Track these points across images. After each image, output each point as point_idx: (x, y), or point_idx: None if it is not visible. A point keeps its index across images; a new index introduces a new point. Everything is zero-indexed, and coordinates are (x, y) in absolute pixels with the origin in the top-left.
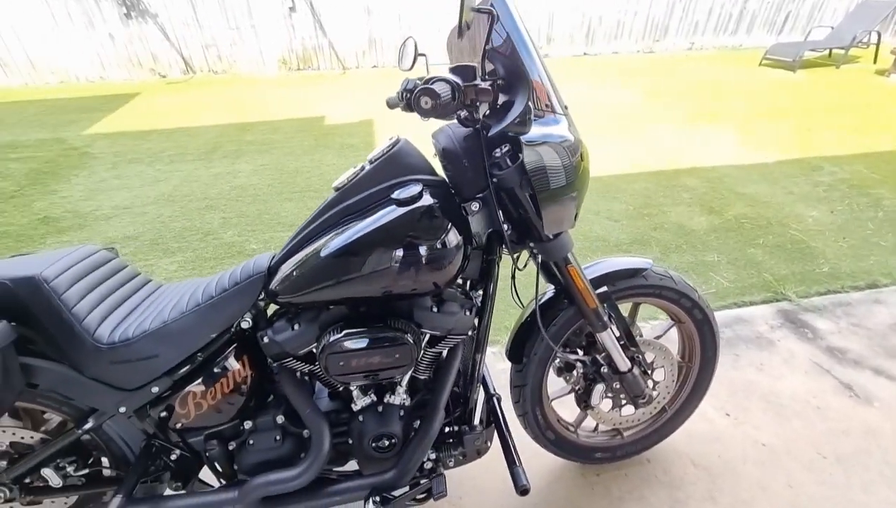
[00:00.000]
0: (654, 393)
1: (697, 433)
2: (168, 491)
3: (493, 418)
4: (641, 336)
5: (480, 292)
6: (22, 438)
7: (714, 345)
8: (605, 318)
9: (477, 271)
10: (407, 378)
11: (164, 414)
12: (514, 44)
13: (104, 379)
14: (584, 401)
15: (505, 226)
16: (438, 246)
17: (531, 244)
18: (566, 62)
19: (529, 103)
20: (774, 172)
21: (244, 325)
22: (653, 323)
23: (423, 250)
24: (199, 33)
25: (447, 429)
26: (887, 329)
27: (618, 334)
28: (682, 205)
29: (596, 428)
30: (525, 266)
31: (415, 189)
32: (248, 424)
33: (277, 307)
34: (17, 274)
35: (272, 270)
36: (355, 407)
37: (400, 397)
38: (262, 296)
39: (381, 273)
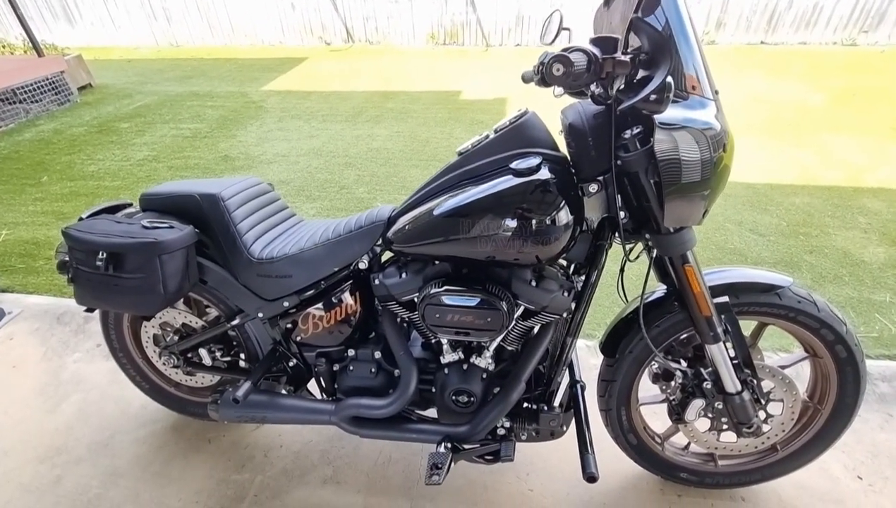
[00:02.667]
0: (765, 427)
1: (813, 487)
2: (283, 391)
3: (574, 404)
4: (762, 360)
5: (583, 277)
6: (190, 322)
7: (856, 392)
8: (719, 330)
9: (583, 255)
10: (495, 344)
11: (289, 326)
12: (665, 12)
13: (251, 287)
14: (677, 413)
15: (622, 214)
16: (547, 221)
17: (647, 235)
18: (738, 51)
19: (670, 79)
20: None
21: (361, 266)
22: (783, 354)
23: (531, 222)
24: (363, 5)
25: (525, 404)
26: None
27: (732, 353)
28: (855, 230)
29: (687, 447)
30: (636, 258)
31: (534, 161)
32: (351, 352)
33: (391, 254)
34: (204, 191)
35: (392, 221)
36: (443, 360)
37: (485, 360)
38: (379, 242)
39: (487, 238)
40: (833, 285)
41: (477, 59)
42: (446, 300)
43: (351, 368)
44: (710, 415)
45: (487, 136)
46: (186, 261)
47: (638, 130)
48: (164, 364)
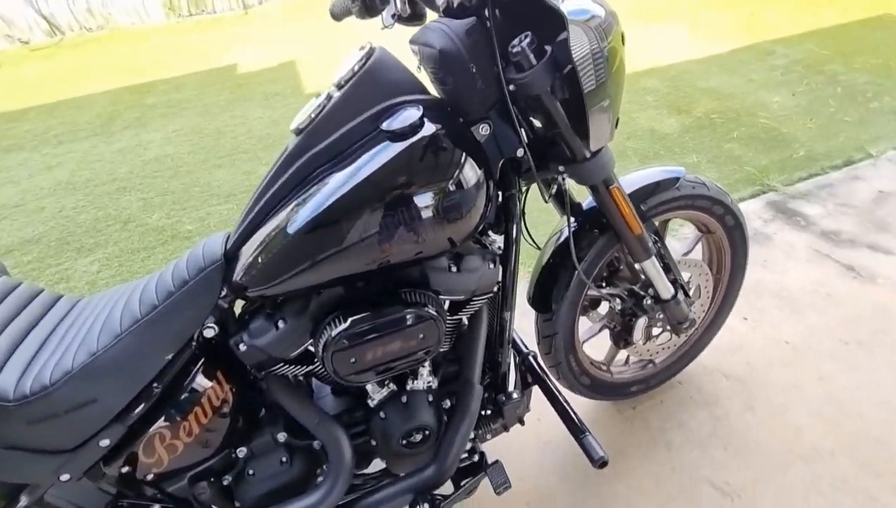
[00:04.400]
0: (695, 315)
1: (721, 344)
2: None
3: (534, 378)
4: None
5: (499, 237)
6: None
7: (745, 251)
8: (650, 244)
9: (493, 212)
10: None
11: (126, 469)
12: None
13: (25, 445)
14: (623, 339)
15: (520, 151)
16: (453, 187)
17: (560, 167)
18: None
19: None
20: (731, 62)
21: (208, 334)
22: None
23: (435, 196)
24: None
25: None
26: (871, 204)
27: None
28: (650, 109)
29: (627, 361)
30: (552, 196)
31: (413, 113)
32: (241, 451)
33: (248, 302)
34: None
35: (230, 256)
36: (372, 402)
37: (424, 380)
38: (224, 294)
39: (383, 238)
40: (655, 160)
41: (237, 25)
42: (359, 337)
43: (251, 472)
44: (653, 327)
45: (330, 97)
46: None
47: (528, 38)
48: None
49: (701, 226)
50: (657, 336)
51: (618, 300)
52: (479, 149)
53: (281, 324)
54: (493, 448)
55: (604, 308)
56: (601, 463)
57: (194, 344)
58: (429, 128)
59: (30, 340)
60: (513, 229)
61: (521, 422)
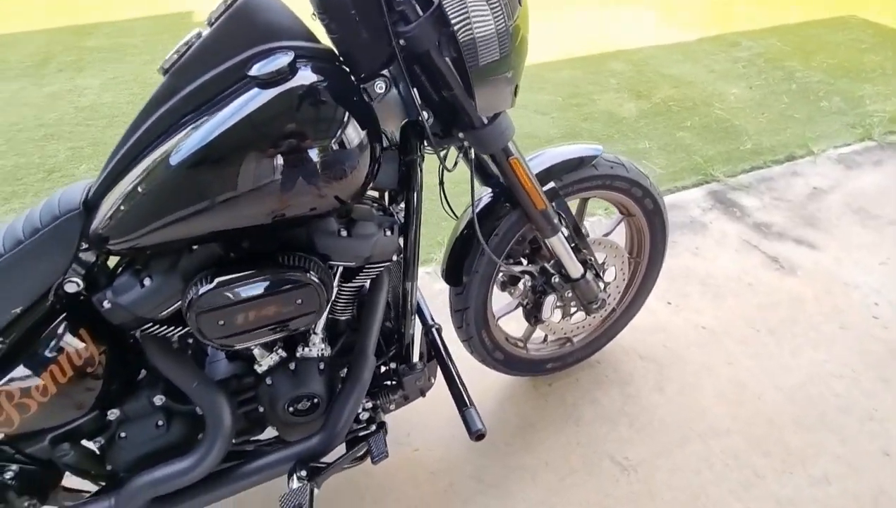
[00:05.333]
0: (606, 296)
1: (642, 326)
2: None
3: (434, 351)
4: (588, 235)
5: (403, 205)
6: None
7: (664, 237)
8: (556, 220)
9: (395, 178)
10: (322, 324)
11: None
12: None
13: None
14: (534, 316)
15: (424, 114)
16: (334, 145)
17: (460, 134)
18: None
19: None
20: (696, 51)
21: (70, 289)
22: (592, 220)
23: (311, 152)
24: None
25: (383, 369)
26: (805, 199)
27: (567, 236)
28: (611, 92)
29: (545, 339)
30: (455, 165)
31: (282, 59)
32: (113, 413)
33: (120, 258)
34: None
35: (91, 206)
36: (259, 369)
37: (316, 347)
38: (84, 247)
39: (253, 191)
40: (608, 144)
41: None
42: (226, 298)
43: (123, 435)
44: (559, 305)
45: (200, 34)
46: None
47: None
48: None
49: (622, 208)
50: (572, 315)
51: (528, 277)
52: (367, 108)
53: (147, 282)
54: (403, 418)
55: (525, 285)
56: (478, 436)
57: (52, 298)
58: (302, 77)
59: None
60: (413, 197)
61: (423, 394)
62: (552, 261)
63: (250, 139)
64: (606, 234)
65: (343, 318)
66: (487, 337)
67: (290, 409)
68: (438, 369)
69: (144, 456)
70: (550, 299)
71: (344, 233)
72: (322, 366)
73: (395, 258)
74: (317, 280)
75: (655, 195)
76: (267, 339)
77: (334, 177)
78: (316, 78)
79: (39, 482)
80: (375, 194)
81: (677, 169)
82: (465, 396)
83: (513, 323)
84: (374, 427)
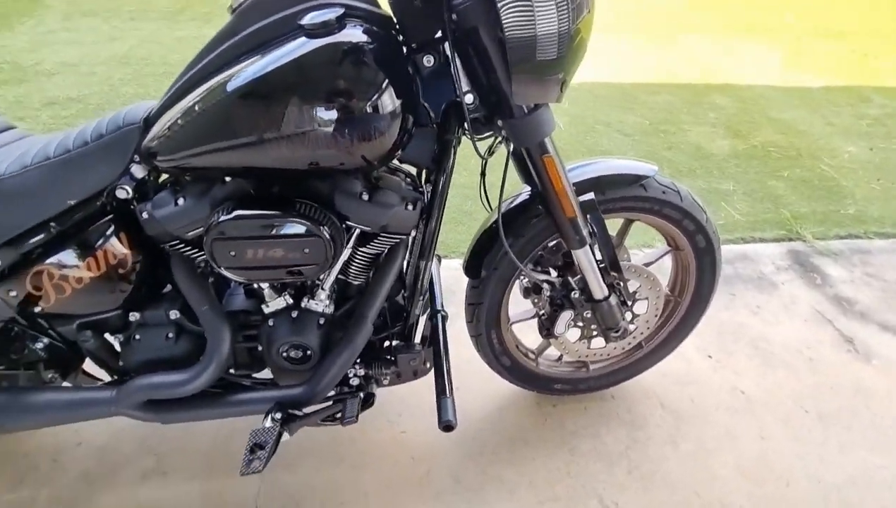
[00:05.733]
0: (632, 327)
1: (672, 373)
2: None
3: (433, 337)
4: (629, 260)
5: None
6: None
7: (712, 280)
8: (585, 233)
9: (429, 156)
10: (331, 280)
11: (13, 293)
12: None
13: None
14: (546, 329)
15: (469, 97)
16: (365, 106)
17: (499, 123)
18: None
19: None
20: (817, 98)
21: (120, 195)
22: (647, 250)
23: (343, 108)
24: None
25: (385, 344)
26: None
27: (599, 255)
28: (706, 125)
29: (560, 358)
30: (491, 154)
31: (330, 14)
32: (135, 316)
33: (165, 176)
34: None
35: (149, 123)
36: (266, 309)
37: (321, 303)
38: (136, 158)
39: (288, 134)
40: (688, 178)
41: None
42: (240, 230)
43: (137, 338)
44: (578, 325)
45: None
46: None
47: None
48: None
49: (670, 239)
50: (591, 338)
51: (548, 287)
52: (408, 78)
53: (181, 202)
54: (399, 399)
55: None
56: (446, 426)
57: (103, 199)
58: (348, 34)
59: None
60: (441, 178)
61: (415, 376)
62: (578, 277)
63: (291, 84)
64: (648, 264)
65: (355, 283)
66: (497, 338)
67: (284, 354)
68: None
69: (150, 361)
70: (566, 315)
71: (365, 196)
72: (322, 322)
73: (413, 234)
74: (327, 235)
75: (710, 233)
76: (270, 279)
77: (362, 137)
78: (361, 38)
79: (63, 359)
80: (413, 170)
81: (759, 219)
82: (446, 386)
83: (532, 335)
84: (361, 395)
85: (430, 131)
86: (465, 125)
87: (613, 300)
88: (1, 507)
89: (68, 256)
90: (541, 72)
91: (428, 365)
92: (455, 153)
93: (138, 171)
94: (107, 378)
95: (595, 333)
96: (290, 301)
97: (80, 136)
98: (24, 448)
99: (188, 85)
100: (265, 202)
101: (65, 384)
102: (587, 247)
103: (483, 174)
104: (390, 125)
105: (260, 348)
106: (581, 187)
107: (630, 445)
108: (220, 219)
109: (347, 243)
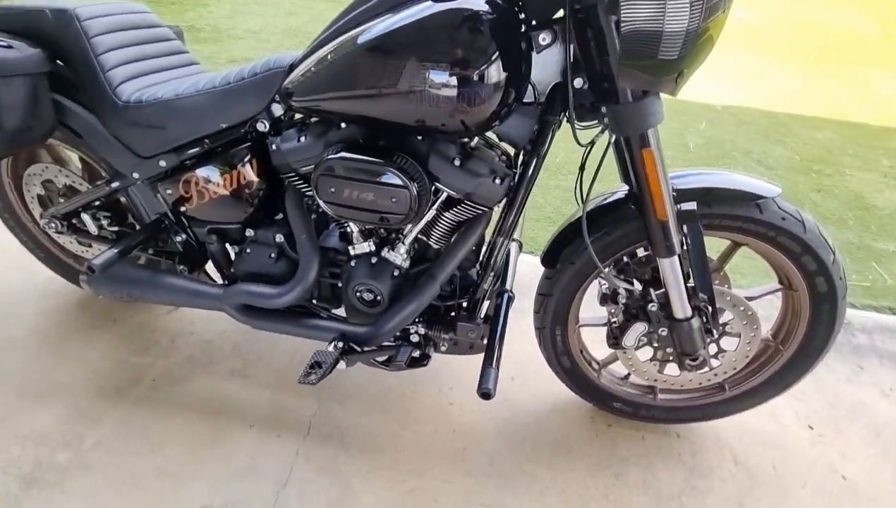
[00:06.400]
0: (714, 362)
1: (757, 430)
2: (163, 268)
3: (495, 314)
4: (729, 287)
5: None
6: (74, 183)
7: (827, 335)
8: (675, 241)
9: (528, 136)
10: (412, 236)
11: (169, 192)
12: None
13: (122, 138)
14: (615, 337)
15: (579, 80)
16: (474, 75)
17: (603, 109)
18: None
19: None
20: None
21: (260, 128)
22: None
23: (451, 72)
24: None
25: (452, 312)
26: None
27: (689, 272)
28: (874, 173)
29: (626, 377)
30: (592, 145)
31: None
32: (250, 232)
33: (297, 117)
34: (55, 5)
35: (292, 69)
36: (352, 251)
37: (399, 256)
38: (276, 97)
39: (397, 87)
40: (836, 228)
41: None
42: (342, 170)
43: (248, 251)
44: (653, 343)
45: None
46: (34, 95)
47: None
48: (52, 230)
49: (783, 275)
50: (664, 362)
51: (625, 293)
52: (520, 53)
53: (302, 139)
54: (454, 373)
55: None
56: (483, 393)
57: (246, 129)
58: (470, 3)
59: (156, 76)
60: (534, 159)
61: (471, 349)
62: (661, 291)
63: (410, 43)
64: (750, 298)
65: (434, 247)
66: (561, 336)
67: (357, 294)
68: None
69: (253, 273)
70: (639, 327)
71: (457, 162)
72: (396, 274)
73: (497, 209)
74: (415, 190)
75: (835, 278)
76: (358, 220)
77: (464, 102)
78: (481, 7)
79: (193, 256)
80: (511, 151)
81: None
82: (495, 357)
83: (602, 347)
84: (420, 357)
85: (533, 110)
86: (569, 109)
87: (696, 323)
88: (128, 366)
89: (212, 170)
90: (658, 66)
91: (484, 341)
92: (552, 137)
93: (276, 110)
94: (219, 281)
95: (670, 357)
96: (373, 248)
97: (239, 73)
98: (154, 325)
99: (326, 40)
100: (370, 151)
101: (190, 275)
102: (675, 257)
103: (582, 167)
104: (492, 95)
105: (340, 285)
106: (686, 195)
107: (685, 490)
108: (329, 157)
109: (433, 205)
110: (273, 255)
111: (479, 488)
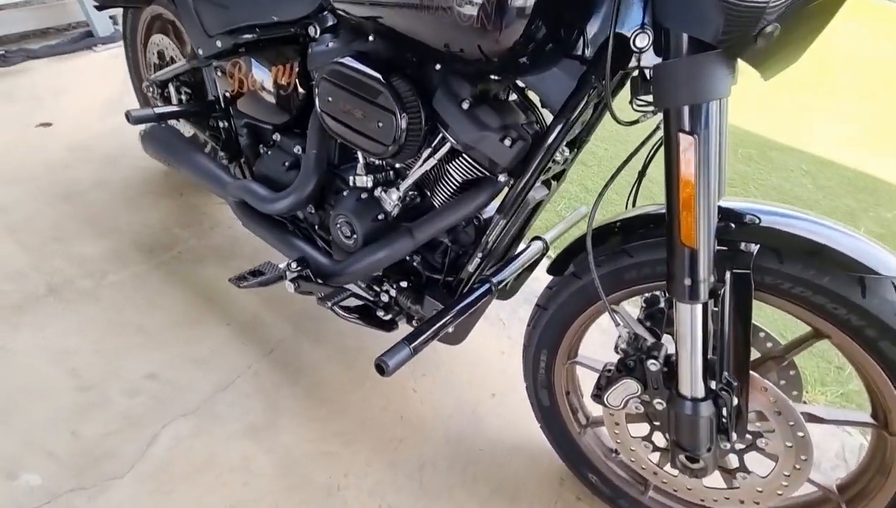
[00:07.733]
0: (735, 479)
1: None
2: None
3: (458, 297)
4: (798, 393)
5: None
6: (175, 56)
7: None
8: (703, 284)
9: (563, 99)
10: (406, 184)
11: (219, 74)
12: None
13: (198, 10)
14: (599, 387)
15: (643, 38)
16: None
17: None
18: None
19: None
20: None
21: (311, 32)
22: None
23: None
24: None
25: (426, 282)
26: None
27: (718, 335)
28: None
29: (615, 453)
30: (635, 123)
31: None
32: (276, 137)
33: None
34: None
35: None
36: (350, 181)
37: (390, 201)
38: (327, 6)
39: (440, 10)
40: None
41: None
42: (341, 78)
43: (269, 153)
44: (653, 420)
45: None
46: None
47: None
48: (150, 94)
49: (879, 405)
50: (660, 450)
51: (628, 336)
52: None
53: (329, 44)
54: (433, 364)
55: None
56: (377, 364)
57: (298, 29)
58: None
59: None
60: (558, 126)
61: (437, 329)
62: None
63: None
64: (815, 417)
65: (435, 203)
66: (545, 363)
67: (338, 225)
68: (468, 330)
69: (264, 175)
70: (627, 385)
71: (466, 105)
72: (379, 217)
73: (500, 179)
74: (403, 121)
75: None
76: (343, 138)
77: (481, 21)
78: None
79: (233, 148)
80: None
81: None
82: (422, 338)
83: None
84: (384, 320)
85: (578, 68)
86: (606, 69)
87: (706, 411)
88: (168, 233)
89: (257, 62)
90: (734, 6)
91: (451, 329)
92: (588, 98)
93: (330, 19)
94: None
95: (668, 459)
96: (369, 185)
97: None
98: (205, 209)
99: None
100: (375, 63)
101: (214, 159)
102: (699, 306)
103: (641, 174)
104: (514, 21)
105: (328, 211)
106: (748, 231)
107: None
108: (334, 60)
109: (435, 152)
110: (287, 164)
111: (392, 487)
